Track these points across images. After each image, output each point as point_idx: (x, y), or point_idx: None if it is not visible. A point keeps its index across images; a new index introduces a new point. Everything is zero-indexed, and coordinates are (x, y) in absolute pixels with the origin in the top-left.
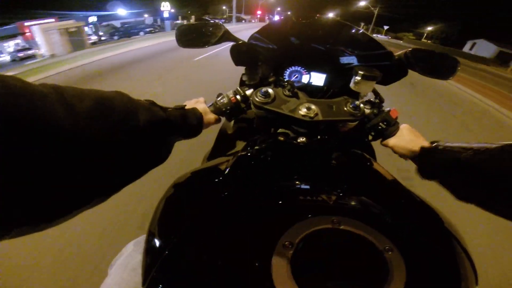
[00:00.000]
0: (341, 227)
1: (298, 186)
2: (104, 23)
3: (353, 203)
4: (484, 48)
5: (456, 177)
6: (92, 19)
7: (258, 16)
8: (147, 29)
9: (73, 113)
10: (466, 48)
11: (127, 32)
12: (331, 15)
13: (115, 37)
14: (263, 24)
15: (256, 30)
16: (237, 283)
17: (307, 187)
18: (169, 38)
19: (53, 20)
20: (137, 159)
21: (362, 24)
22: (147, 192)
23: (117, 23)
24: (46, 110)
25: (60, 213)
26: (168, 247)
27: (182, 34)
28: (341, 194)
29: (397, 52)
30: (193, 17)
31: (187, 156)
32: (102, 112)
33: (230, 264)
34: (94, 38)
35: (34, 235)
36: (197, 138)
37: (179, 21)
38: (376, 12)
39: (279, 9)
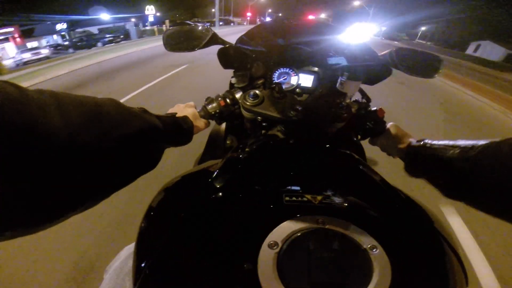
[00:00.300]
0: (326, 226)
1: (285, 187)
2: (80, 30)
3: (338, 202)
4: (490, 50)
5: (443, 175)
6: (60, 26)
7: (248, 18)
8: (106, 39)
9: (69, 119)
10: (469, 50)
11: (90, 41)
12: (323, 15)
13: (70, 50)
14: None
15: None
16: (224, 284)
17: (294, 187)
18: (124, 52)
19: (12, 29)
20: (129, 165)
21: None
22: None
23: (94, 29)
24: (43, 116)
25: (57, 214)
26: (157, 251)
27: (169, 38)
28: (327, 194)
29: (381, 52)
30: (166, 21)
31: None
32: (96, 118)
33: (218, 265)
34: (45, 52)
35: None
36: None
37: (148, 27)
38: (371, 12)
39: (270, 10)
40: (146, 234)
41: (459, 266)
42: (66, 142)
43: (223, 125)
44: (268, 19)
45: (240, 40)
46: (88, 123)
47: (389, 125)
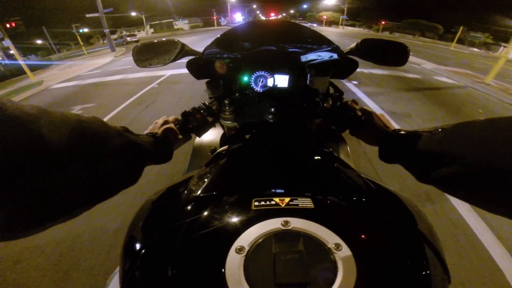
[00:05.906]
0: (290, 228)
1: (256, 192)
2: None
3: (304, 203)
4: None
5: (415, 159)
6: None
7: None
8: None
9: (57, 135)
10: None
11: None
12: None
13: None
14: None
15: None
16: None
17: (264, 192)
18: None
19: None
20: (109, 180)
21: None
22: None
23: None
24: (36, 130)
25: (38, 223)
26: (140, 257)
27: (139, 54)
28: (294, 196)
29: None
30: None
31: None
32: (81, 135)
33: (191, 272)
34: None
35: None
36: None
37: None
38: None
39: (233, 0)
40: (129, 243)
41: (437, 263)
42: (53, 156)
43: (205, 136)
44: (239, 15)
45: (209, 49)
46: (72, 140)
47: (367, 115)
